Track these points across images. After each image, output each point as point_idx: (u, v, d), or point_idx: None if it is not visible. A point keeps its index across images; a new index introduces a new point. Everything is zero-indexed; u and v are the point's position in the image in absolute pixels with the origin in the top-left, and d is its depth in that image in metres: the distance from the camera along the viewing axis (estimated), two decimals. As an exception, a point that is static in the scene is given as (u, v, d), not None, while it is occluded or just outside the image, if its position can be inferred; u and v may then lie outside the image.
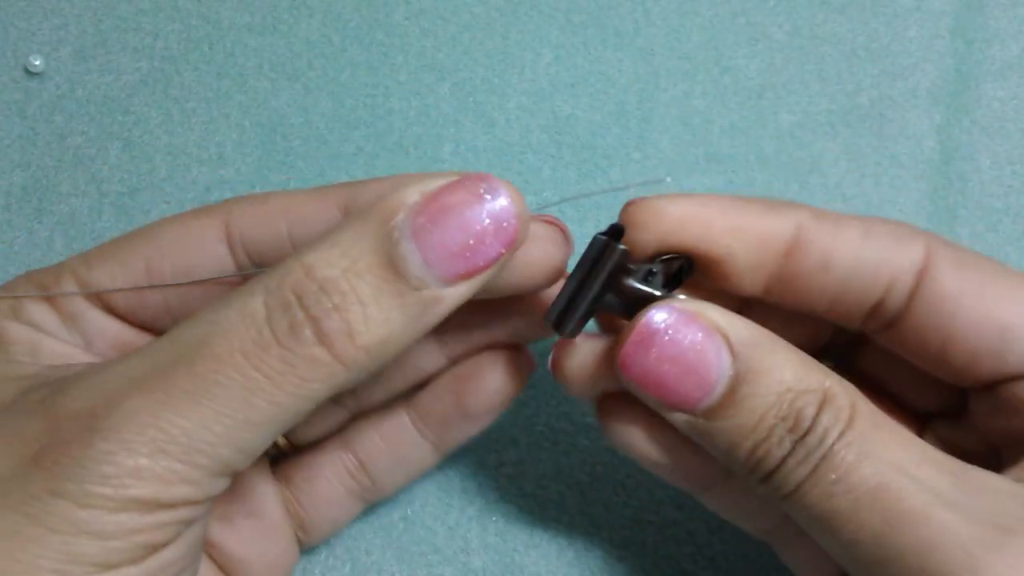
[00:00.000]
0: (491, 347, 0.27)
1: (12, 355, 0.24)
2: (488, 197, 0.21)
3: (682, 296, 0.24)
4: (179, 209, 0.33)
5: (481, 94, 0.34)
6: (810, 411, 0.21)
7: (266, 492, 0.27)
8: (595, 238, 0.24)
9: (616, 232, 0.24)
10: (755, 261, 0.24)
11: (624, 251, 0.23)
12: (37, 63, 0.34)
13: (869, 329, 0.25)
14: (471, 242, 0.21)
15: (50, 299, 0.25)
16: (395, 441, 0.28)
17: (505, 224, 0.21)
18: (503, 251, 0.21)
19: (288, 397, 0.20)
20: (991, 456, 0.24)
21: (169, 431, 0.20)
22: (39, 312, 0.25)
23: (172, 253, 0.25)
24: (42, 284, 0.25)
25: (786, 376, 0.21)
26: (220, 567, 0.27)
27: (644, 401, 0.23)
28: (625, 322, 0.24)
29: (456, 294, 0.21)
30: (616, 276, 0.24)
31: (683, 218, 0.23)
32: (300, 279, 0.20)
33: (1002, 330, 0.23)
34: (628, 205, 0.24)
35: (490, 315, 0.26)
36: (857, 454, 0.20)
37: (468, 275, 0.21)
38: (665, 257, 0.24)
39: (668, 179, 0.21)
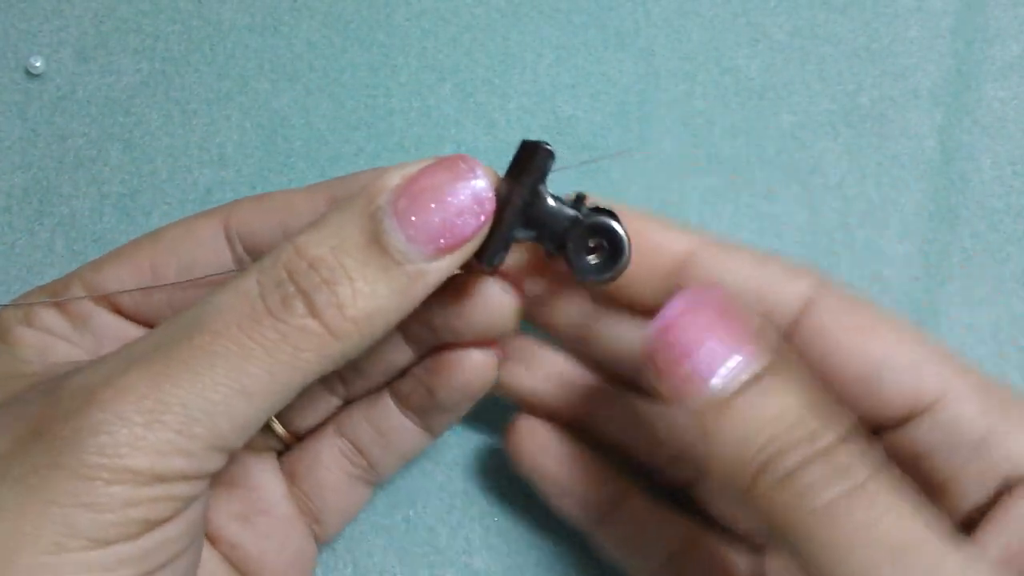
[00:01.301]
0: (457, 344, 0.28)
1: (22, 356, 0.25)
2: (466, 175, 0.22)
3: (614, 223, 0.24)
4: (180, 211, 0.33)
5: (482, 95, 0.34)
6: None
7: (276, 488, 0.28)
8: (522, 142, 0.24)
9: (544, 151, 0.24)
10: (645, 275, 0.25)
11: (551, 152, 0.23)
12: (38, 64, 0.34)
13: None
14: (450, 217, 0.22)
15: (60, 305, 0.26)
16: (384, 426, 0.28)
17: (482, 199, 0.22)
18: (480, 224, 0.23)
19: (282, 367, 0.21)
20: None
21: (166, 401, 0.20)
22: (50, 318, 0.26)
23: (175, 253, 0.26)
24: (53, 293, 0.26)
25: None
26: (240, 570, 0.27)
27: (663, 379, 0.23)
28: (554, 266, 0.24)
29: (439, 268, 0.22)
30: (539, 184, 0.23)
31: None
32: (291, 258, 0.22)
33: (877, 365, 0.23)
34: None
35: (453, 316, 0.26)
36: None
37: (449, 249, 0.22)
38: (593, 206, 0.24)
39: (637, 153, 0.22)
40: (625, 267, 0.24)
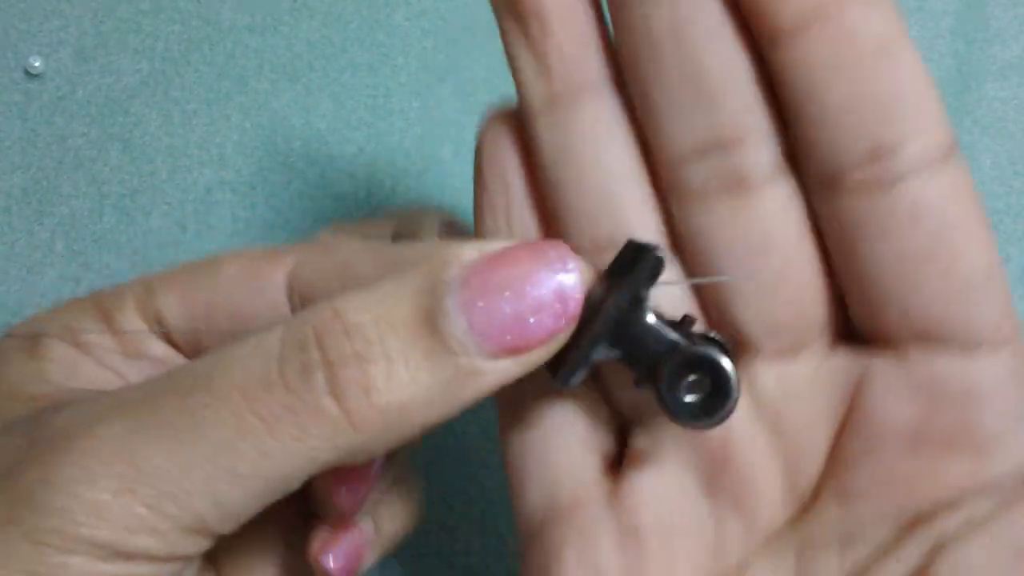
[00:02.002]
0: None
1: (45, 373, 0.22)
2: (553, 264, 0.18)
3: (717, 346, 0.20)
4: (180, 211, 0.33)
5: (482, 95, 0.34)
6: None
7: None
8: (628, 242, 0.20)
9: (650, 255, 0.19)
10: None
11: (661, 260, 0.19)
12: (37, 65, 0.34)
13: None
14: (524, 312, 0.18)
15: (108, 320, 0.23)
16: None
17: (567, 297, 0.18)
18: (559, 327, 0.18)
19: (282, 450, 0.18)
20: None
21: (140, 467, 0.17)
22: (97, 335, 0.23)
23: (232, 295, 0.23)
24: (103, 307, 0.23)
25: None
26: None
27: None
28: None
29: (498, 370, 0.18)
30: (641, 295, 0.19)
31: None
32: (326, 319, 0.18)
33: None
34: None
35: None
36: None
37: (515, 349, 0.18)
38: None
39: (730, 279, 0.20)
40: (730, 413, 0.19)
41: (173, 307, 0.23)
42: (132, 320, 0.23)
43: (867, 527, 0.19)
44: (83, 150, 0.34)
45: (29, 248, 0.33)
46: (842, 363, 0.20)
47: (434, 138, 0.34)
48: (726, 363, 0.19)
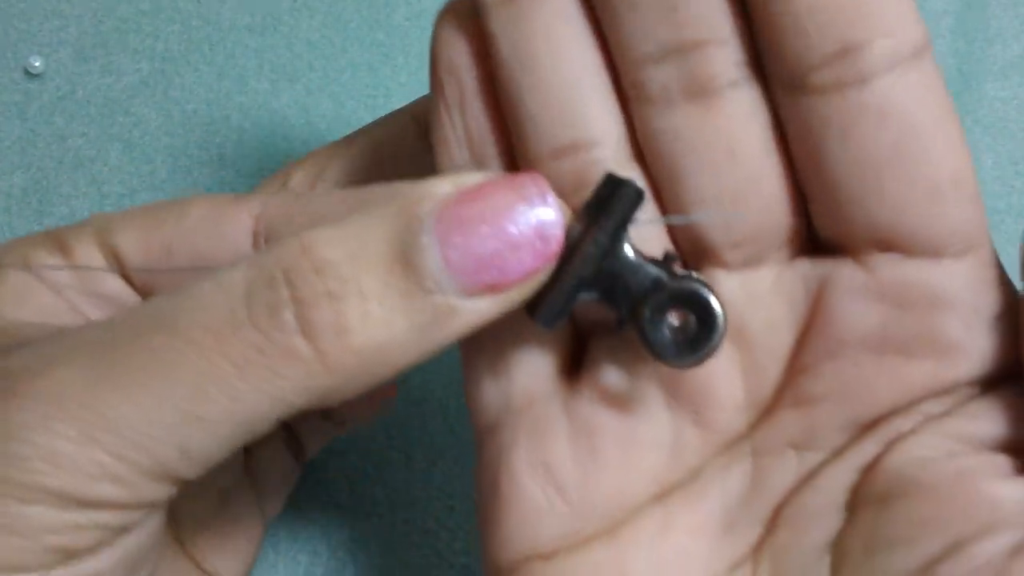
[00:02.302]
0: None
1: None
2: (533, 200, 0.18)
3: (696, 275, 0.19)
4: (179, 210, 0.33)
5: (482, 95, 0.34)
6: None
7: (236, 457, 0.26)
8: (606, 176, 0.19)
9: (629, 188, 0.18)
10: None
11: (640, 193, 0.18)
12: (37, 64, 0.34)
13: None
14: (504, 249, 0.17)
15: (65, 252, 0.23)
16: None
17: (548, 234, 0.18)
18: (539, 265, 0.18)
19: (252, 393, 0.17)
20: None
21: (101, 413, 0.16)
22: (50, 262, 0.22)
23: (195, 237, 0.22)
24: (60, 240, 0.23)
25: None
26: (181, 539, 0.25)
27: None
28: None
29: (477, 310, 0.18)
30: (621, 232, 0.18)
31: None
32: (294, 255, 0.17)
33: None
34: None
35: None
36: None
37: (494, 288, 0.17)
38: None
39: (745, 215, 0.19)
40: (715, 350, 0.19)
41: (132, 244, 0.22)
42: (90, 254, 0.23)
43: (824, 432, 0.19)
44: (83, 150, 0.34)
45: (29, 248, 0.33)
46: (805, 270, 0.19)
47: (434, 138, 0.34)
48: (713, 299, 0.19)
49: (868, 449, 0.19)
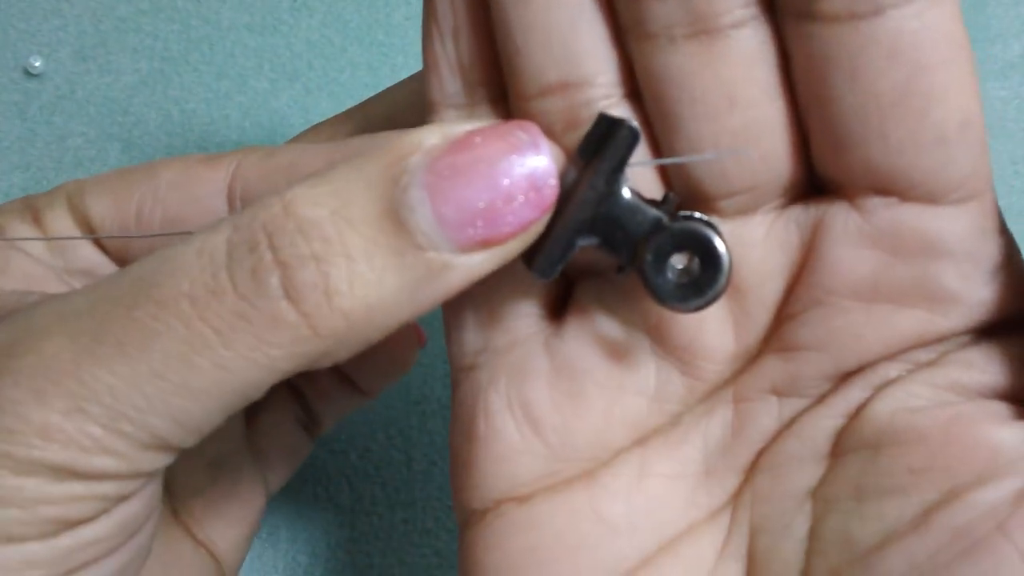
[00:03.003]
0: None
1: None
2: (524, 149, 0.17)
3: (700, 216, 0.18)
4: (179, 210, 0.33)
5: (482, 94, 0.34)
6: None
7: (238, 426, 0.26)
8: (599, 116, 0.18)
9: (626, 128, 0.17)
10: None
11: (636, 133, 0.17)
12: (36, 64, 0.34)
13: None
14: (499, 202, 0.16)
15: (37, 220, 0.23)
16: (322, 384, 0.27)
17: (541, 184, 0.17)
18: (534, 217, 0.17)
19: (239, 361, 0.16)
20: None
21: (91, 385, 0.16)
22: (24, 230, 0.22)
23: (167, 200, 0.22)
24: (33, 207, 0.23)
25: None
26: (182, 513, 0.25)
27: None
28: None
29: (471, 265, 0.17)
30: (617, 174, 0.17)
31: None
32: (276, 215, 0.16)
33: None
34: None
35: None
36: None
37: (488, 242, 0.17)
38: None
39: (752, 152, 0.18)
40: (721, 293, 0.18)
41: (103, 210, 0.22)
42: (62, 221, 0.23)
43: (809, 379, 0.19)
44: (82, 150, 0.34)
45: (28, 248, 0.33)
46: (799, 215, 0.18)
47: (434, 138, 0.34)
48: (717, 240, 0.18)
49: (853, 395, 0.18)
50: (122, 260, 0.23)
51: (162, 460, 0.17)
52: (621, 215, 0.18)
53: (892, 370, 0.18)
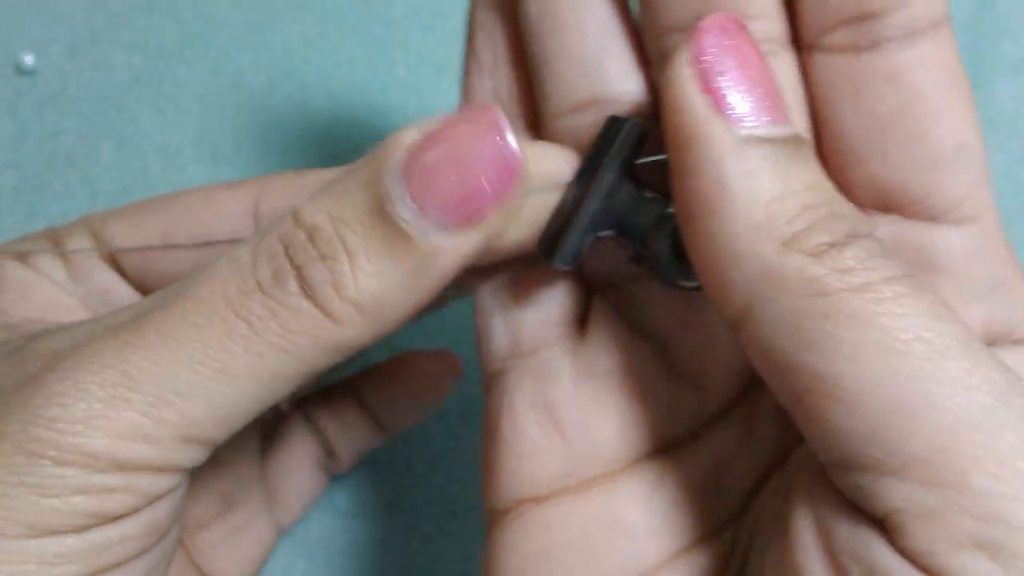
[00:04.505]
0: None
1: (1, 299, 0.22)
2: (492, 130, 0.18)
3: None
4: (173, 209, 0.33)
5: (482, 91, 0.34)
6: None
7: (253, 464, 0.26)
8: (608, 118, 0.20)
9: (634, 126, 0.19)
10: None
11: (643, 129, 0.19)
12: (28, 61, 0.34)
13: None
14: (471, 182, 0.18)
15: (59, 246, 0.24)
16: (346, 420, 0.28)
17: (508, 160, 0.18)
18: (504, 193, 0.18)
19: (269, 348, 0.18)
20: None
21: (132, 374, 0.18)
22: (47, 262, 0.23)
23: (191, 222, 0.23)
24: (55, 239, 0.24)
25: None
26: (192, 556, 0.25)
27: None
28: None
29: (459, 245, 0.18)
30: (626, 168, 0.19)
31: None
32: (289, 227, 0.19)
33: None
34: None
35: None
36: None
37: (470, 220, 0.18)
38: None
39: None
40: None
41: (129, 236, 0.23)
42: (83, 246, 0.24)
43: None
44: (75, 147, 0.34)
45: (19, 247, 0.33)
46: None
47: (433, 135, 0.34)
48: None
49: None
50: (144, 287, 0.24)
51: (196, 455, 0.19)
52: (632, 206, 0.19)
53: None
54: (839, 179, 0.19)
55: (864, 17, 0.18)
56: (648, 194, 0.19)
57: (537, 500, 0.20)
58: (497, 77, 0.21)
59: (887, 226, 0.19)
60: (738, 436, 0.20)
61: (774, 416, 0.20)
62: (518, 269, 0.22)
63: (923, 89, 0.18)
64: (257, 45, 0.35)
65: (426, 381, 0.28)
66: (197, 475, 0.23)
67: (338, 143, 0.34)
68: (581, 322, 0.22)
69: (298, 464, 0.28)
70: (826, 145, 0.20)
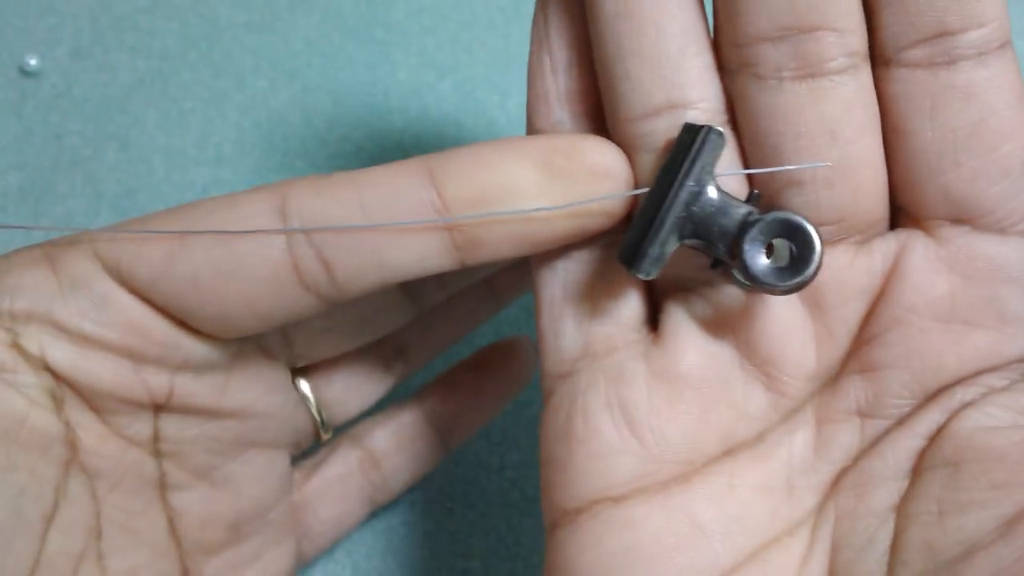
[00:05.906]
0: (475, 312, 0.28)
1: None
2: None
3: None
4: (175, 210, 0.33)
5: (482, 92, 0.34)
6: None
7: (279, 489, 0.25)
8: (685, 125, 0.20)
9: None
10: None
11: (721, 135, 0.19)
12: (33, 63, 0.34)
13: None
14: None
15: (54, 265, 0.21)
16: (404, 437, 0.28)
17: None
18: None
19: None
20: None
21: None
22: (39, 277, 0.20)
23: (212, 224, 0.21)
24: (51, 257, 0.21)
25: None
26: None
27: None
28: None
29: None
30: (706, 175, 0.19)
31: None
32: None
33: None
34: None
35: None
36: None
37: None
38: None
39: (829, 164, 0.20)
40: (816, 273, 0.19)
41: (143, 244, 0.21)
42: (85, 263, 0.21)
43: (889, 399, 0.20)
44: (79, 149, 0.34)
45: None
46: (881, 244, 0.20)
47: (434, 137, 0.34)
48: (810, 226, 0.19)
49: (932, 417, 0.20)
50: (159, 301, 0.21)
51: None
52: (713, 212, 0.19)
53: (968, 394, 0.20)
54: (912, 190, 0.20)
55: (943, 34, 0.19)
56: (728, 199, 0.20)
57: (614, 499, 0.20)
58: (570, 78, 0.21)
59: (960, 238, 0.20)
60: (811, 436, 0.21)
61: (846, 417, 0.21)
62: (589, 272, 0.22)
63: (996, 106, 0.19)
64: (259, 48, 0.34)
65: (512, 367, 0.29)
66: (206, 503, 0.23)
67: (340, 144, 0.34)
68: (652, 324, 0.22)
69: (338, 495, 0.27)
70: (900, 157, 0.20)
